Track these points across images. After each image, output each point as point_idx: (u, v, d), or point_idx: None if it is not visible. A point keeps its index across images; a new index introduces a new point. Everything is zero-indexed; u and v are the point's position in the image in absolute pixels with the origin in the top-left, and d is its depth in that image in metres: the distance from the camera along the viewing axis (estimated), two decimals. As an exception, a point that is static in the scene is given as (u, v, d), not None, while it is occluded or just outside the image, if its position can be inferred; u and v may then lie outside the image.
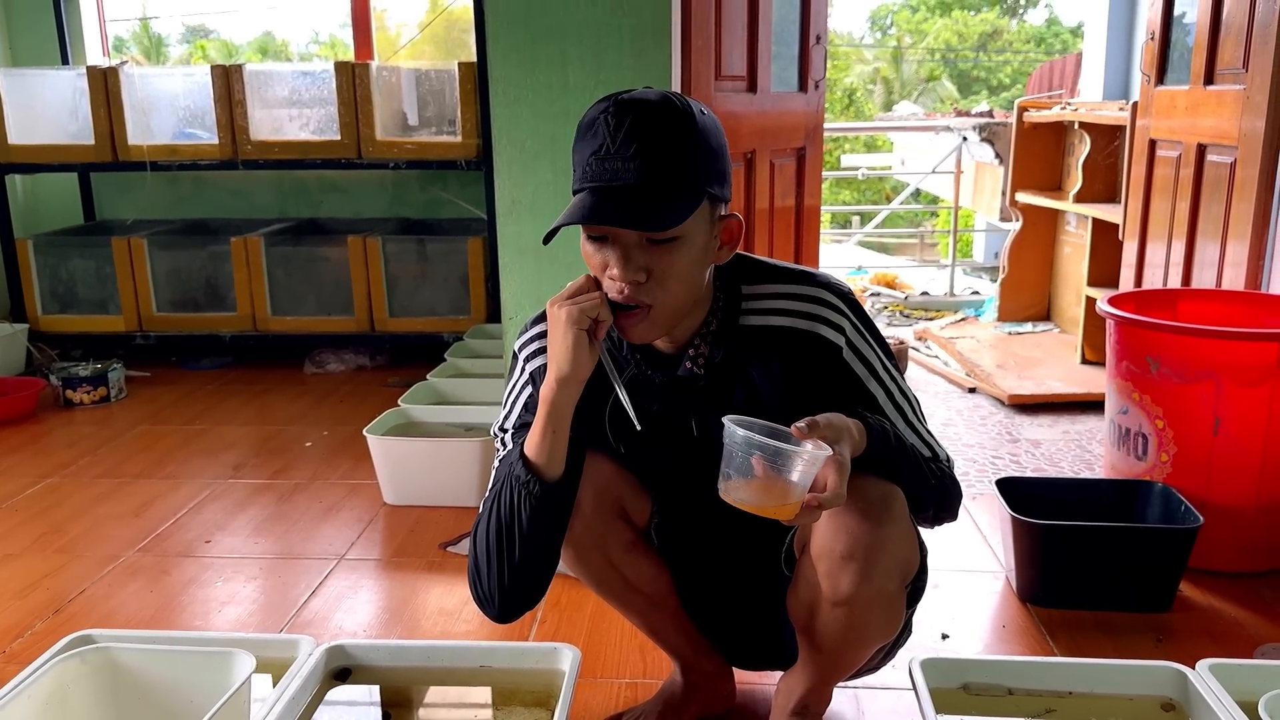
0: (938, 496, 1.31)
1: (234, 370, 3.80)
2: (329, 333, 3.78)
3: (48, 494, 2.61)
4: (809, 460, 1.09)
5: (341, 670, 1.58)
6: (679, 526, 1.46)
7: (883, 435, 1.21)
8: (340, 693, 1.57)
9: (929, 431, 1.36)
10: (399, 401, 2.74)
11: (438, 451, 2.49)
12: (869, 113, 20.89)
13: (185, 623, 1.96)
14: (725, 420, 1.12)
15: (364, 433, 2.49)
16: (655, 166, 1.15)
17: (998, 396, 3.28)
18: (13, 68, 4.04)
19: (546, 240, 1.19)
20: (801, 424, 1.11)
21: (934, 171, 5.56)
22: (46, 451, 2.94)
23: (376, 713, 1.57)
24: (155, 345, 3.80)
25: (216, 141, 3.68)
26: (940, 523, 1.36)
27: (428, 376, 2.99)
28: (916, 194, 7.42)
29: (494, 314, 3.71)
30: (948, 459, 1.36)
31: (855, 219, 11.91)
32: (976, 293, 4.94)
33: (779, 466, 1.09)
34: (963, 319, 4.33)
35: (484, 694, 1.55)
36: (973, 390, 3.40)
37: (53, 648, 1.61)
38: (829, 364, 1.28)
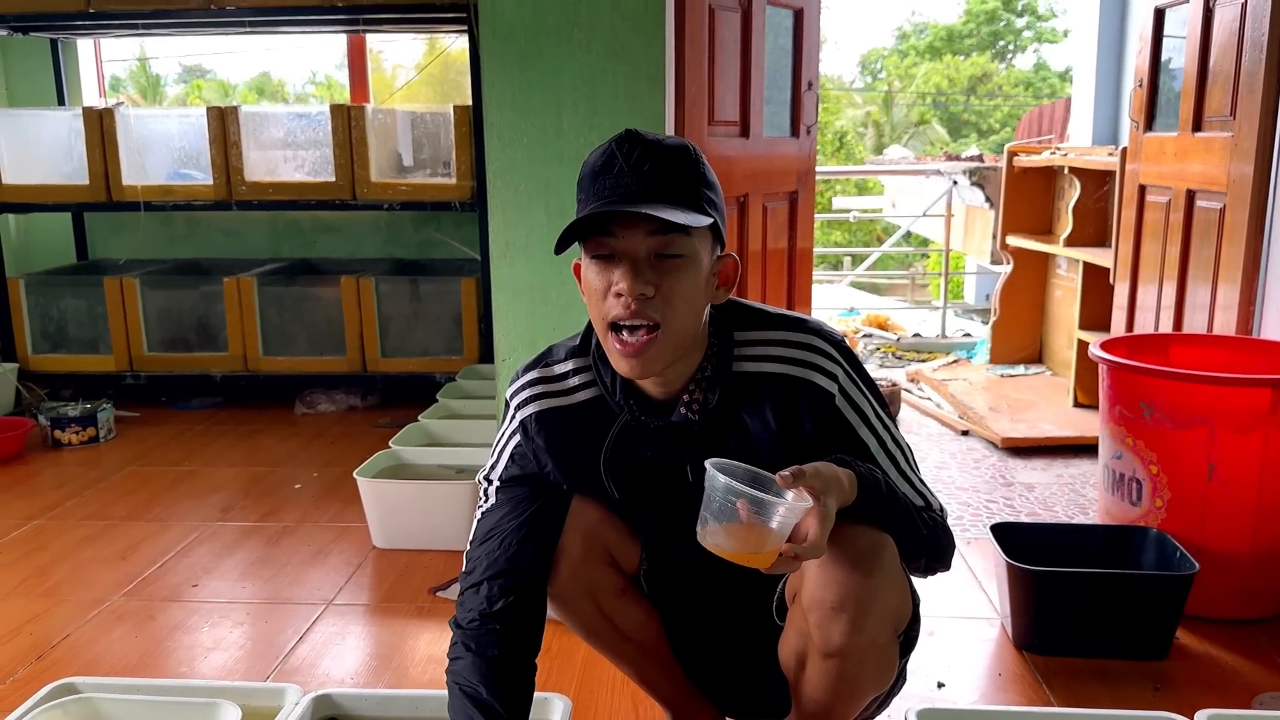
0: (930, 546, 1.30)
1: (224, 410, 3.78)
2: (320, 373, 3.77)
3: (33, 536, 2.58)
4: (788, 510, 1.08)
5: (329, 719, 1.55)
6: (669, 573, 1.45)
7: (873, 484, 1.21)
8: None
9: (921, 480, 1.35)
10: (390, 443, 2.72)
11: (428, 494, 2.47)
12: (859, 156, 21.10)
13: (171, 669, 1.92)
14: (707, 464, 1.11)
15: (354, 475, 2.48)
16: (668, 183, 1.19)
17: (991, 439, 3.27)
18: (9, 108, 4.05)
19: (558, 249, 1.20)
20: (787, 473, 1.10)
21: (925, 214, 5.60)
22: (33, 493, 2.92)
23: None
24: (145, 385, 3.78)
25: (211, 182, 3.69)
26: (932, 572, 1.35)
27: (419, 418, 2.98)
28: (907, 236, 7.48)
29: (487, 354, 3.70)
30: (940, 508, 1.35)
31: (846, 260, 11.98)
32: (968, 335, 4.95)
33: (758, 514, 1.08)
34: (955, 361, 4.34)
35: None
36: (965, 433, 3.39)
37: (34, 696, 1.59)
38: (822, 411, 1.28)
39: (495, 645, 1.30)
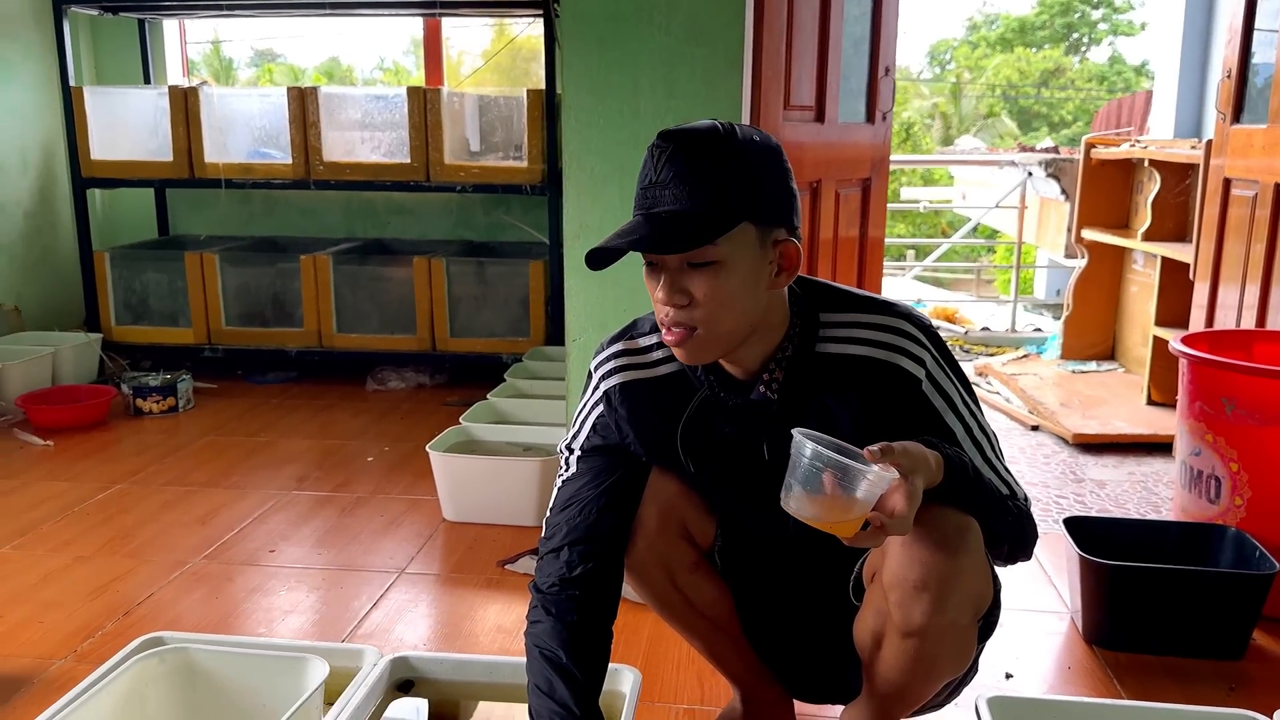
0: (1014, 534, 1.29)
1: (298, 385, 3.87)
2: (391, 350, 3.84)
3: (117, 499, 2.68)
4: (874, 480, 1.08)
5: (404, 682, 1.60)
6: (743, 550, 1.46)
7: (960, 468, 1.20)
8: (397, 705, 1.58)
9: (1006, 469, 1.34)
10: (460, 419, 2.77)
11: (498, 470, 2.51)
12: (926, 147, 20.77)
13: (249, 629, 1.99)
14: (795, 431, 1.12)
15: (426, 449, 2.52)
16: (689, 193, 1.18)
17: (1061, 435, 3.22)
18: (98, 85, 4.17)
19: (592, 265, 1.20)
20: (875, 448, 1.10)
21: (997, 206, 5.51)
22: (116, 458, 3.02)
23: (437, 726, 1.58)
24: (223, 358, 3.89)
25: (290, 161, 3.77)
26: (1014, 561, 1.34)
27: (488, 396, 3.02)
28: (974, 229, 7.36)
29: (553, 337, 3.74)
30: (1025, 498, 1.34)
31: (910, 253, 11.82)
32: (1039, 329, 4.87)
33: (844, 481, 1.09)
34: (1025, 356, 4.28)
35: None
36: (1035, 428, 3.35)
37: (127, 647, 1.65)
38: (907, 396, 1.27)
39: (574, 610, 1.33)
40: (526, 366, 3.46)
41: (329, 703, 1.33)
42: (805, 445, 1.10)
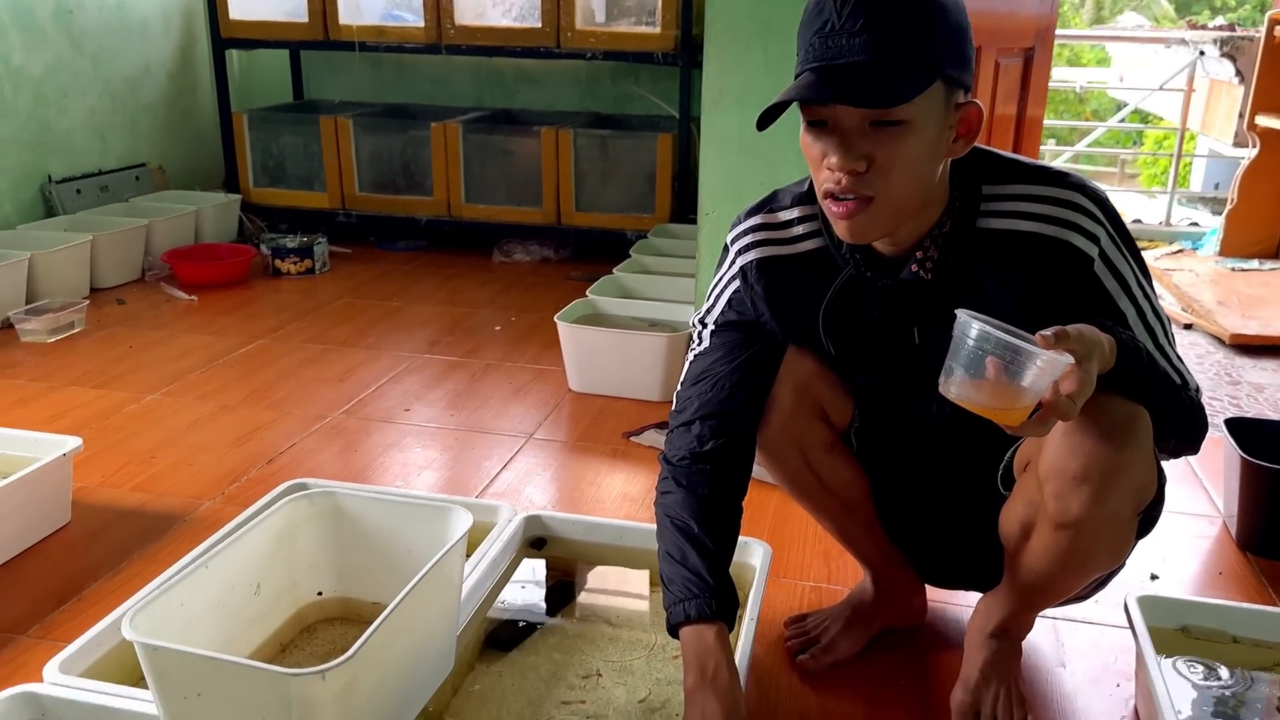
0: (1184, 426, 1.21)
1: (427, 254, 3.92)
2: (517, 223, 3.83)
3: (259, 354, 2.78)
4: (1047, 365, 1.00)
5: (537, 539, 1.62)
6: (883, 433, 1.41)
7: (1134, 353, 1.12)
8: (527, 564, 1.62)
9: (1179, 357, 1.25)
10: (586, 293, 2.76)
11: (624, 344, 2.49)
12: (1075, 25, 19.42)
13: (386, 482, 2.05)
14: (959, 312, 1.04)
15: (555, 319, 2.53)
16: (883, 41, 1.05)
17: (1217, 335, 3.03)
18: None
19: (761, 125, 1.11)
20: (1048, 332, 1.02)
21: (1161, 89, 5.11)
22: (257, 315, 3.12)
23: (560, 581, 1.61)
24: (356, 224, 3.95)
25: (422, 24, 3.73)
26: (1180, 454, 1.26)
27: (614, 271, 3.00)
28: (1127, 115, 6.88)
29: (679, 214, 3.67)
30: (1196, 388, 1.25)
31: (1050, 140, 11.18)
32: (1195, 224, 4.57)
33: (1012, 366, 1.01)
34: (1179, 250, 4.02)
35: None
36: (1189, 326, 3.16)
37: (274, 490, 1.73)
38: (1077, 276, 1.18)
39: (705, 484, 1.31)
40: (651, 243, 3.41)
41: (466, 555, 1.36)
42: (971, 326, 1.03)
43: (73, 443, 1.80)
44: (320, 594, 1.32)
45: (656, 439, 2.24)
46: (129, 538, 1.80)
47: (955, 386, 1.04)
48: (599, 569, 1.63)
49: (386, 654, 1.03)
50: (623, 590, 1.61)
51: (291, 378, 2.61)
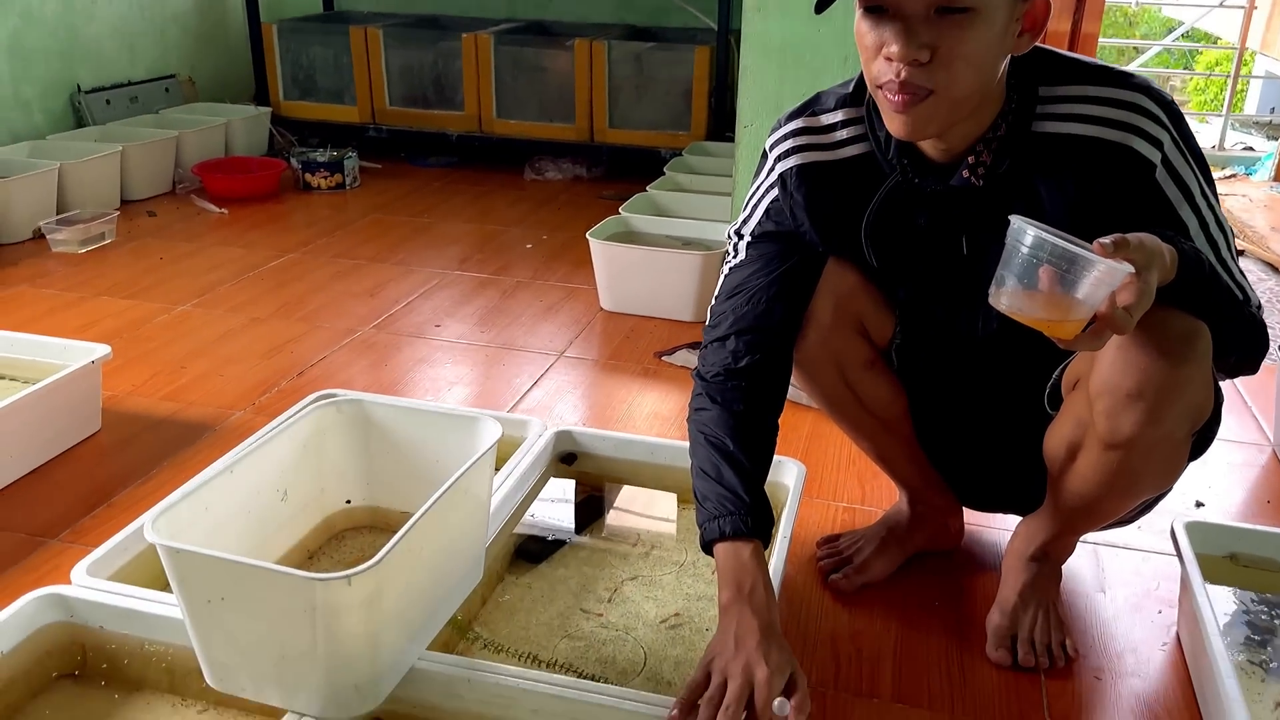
0: (1245, 343, 1.15)
1: (458, 170, 3.86)
2: (549, 139, 3.76)
3: (290, 267, 2.76)
4: (1105, 274, 0.94)
5: (568, 455, 1.60)
6: (925, 350, 1.36)
7: (1196, 265, 1.05)
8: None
9: (1241, 272, 1.18)
10: (620, 210, 2.70)
11: (657, 262, 2.44)
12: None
13: (416, 396, 2.03)
14: (1013, 218, 0.98)
15: (587, 235, 2.48)
16: None
17: (1270, 262, 2.93)
18: None
19: (819, 8, 1.06)
20: (1107, 240, 0.95)
21: (1222, 4, 4.88)
22: (288, 229, 3.10)
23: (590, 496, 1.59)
24: (386, 139, 3.89)
25: (453, -68, 3.62)
26: (1238, 374, 1.20)
27: (647, 188, 2.93)
28: (1181, 35, 6.61)
29: (715, 131, 3.58)
30: (1259, 305, 1.18)
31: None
32: (1249, 149, 4.40)
33: (1069, 275, 0.95)
34: (1232, 175, 3.88)
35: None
36: (1240, 253, 3.05)
37: (304, 400, 1.71)
38: (1138, 184, 1.11)
39: (740, 400, 1.26)
40: (686, 161, 3.33)
41: (496, 469, 1.34)
42: (1025, 233, 0.97)
43: (101, 350, 1.79)
44: (349, 502, 1.31)
45: (689, 359, 2.21)
46: (159, 446, 1.80)
47: (1006, 297, 0.99)
48: (629, 485, 1.60)
49: (414, 561, 1.01)
50: (653, 507, 1.59)
51: (322, 292, 2.58)
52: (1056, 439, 1.24)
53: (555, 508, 1.56)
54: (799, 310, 1.31)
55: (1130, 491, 1.20)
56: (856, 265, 1.30)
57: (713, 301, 1.34)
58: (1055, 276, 0.96)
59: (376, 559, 0.93)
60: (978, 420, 1.38)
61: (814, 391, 1.42)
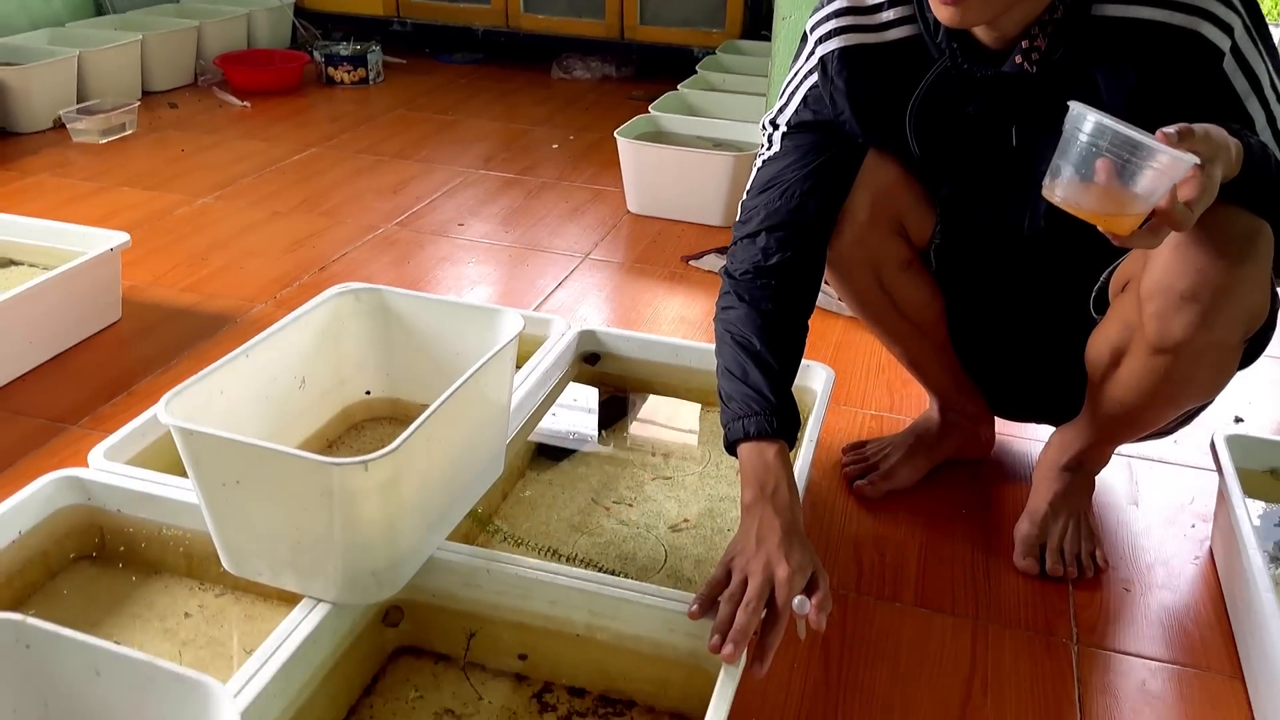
0: (1309, 247, 1.09)
1: (484, 67, 3.76)
2: (578, 36, 3.65)
3: (312, 162, 2.71)
4: (1168, 166, 0.88)
5: (591, 355, 1.57)
6: (966, 250, 1.30)
7: (1263, 161, 0.99)
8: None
9: (1311, 171, 1.11)
10: (649, 109, 2.62)
11: (687, 162, 2.37)
12: None
13: (439, 294, 1.99)
14: (1072, 104, 0.92)
15: (615, 134, 2.41)
16: None
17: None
18: None
19: None
20: (1171, 130, 0.89)
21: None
22: (310, 124, 3.04)
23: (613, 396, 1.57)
24: (411, 33, 3.80)
25: None
26: (1297, 279, 1.15)
27: (678, 87, 2.84)
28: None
29: (750, 29, 3.46)
30: (1326, 208, 1.12)
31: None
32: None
33: (1130, 165, 0.89)
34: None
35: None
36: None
37: (324, 292, 1.68)
38: (1204, 72, 1.04)
39: (769, 299, 1.21)
40: (719, 60, 3.23)
41: (518, 366, 1.31)
42: (1085, 119, 0.90)
43: (121, 238, 1.76)
44: (368, 393, 1.29)
45: (717, 263, 2.15)
46: (179, 336, 1.78)
47: (1061, 188, 0.93)
48: (653, 386, 1.57)
49: (433, 451, 0.99)
50: (677, 408, 1.56)
51: (344, 187, 2.54)
52: (1100, 343, 1.19)
53: (578, 406, 1.54)
54: (835, 206, 1.25)
55: (1175, 399, 1.16)
56: (897, 159, 1.25)
57: (744, 196, 1.28)
58: (1114, 168, 0.90)
59: (394, 445, 0.90)
60: (1017, 325, 1.33)
61: (847, 292, 1.37)
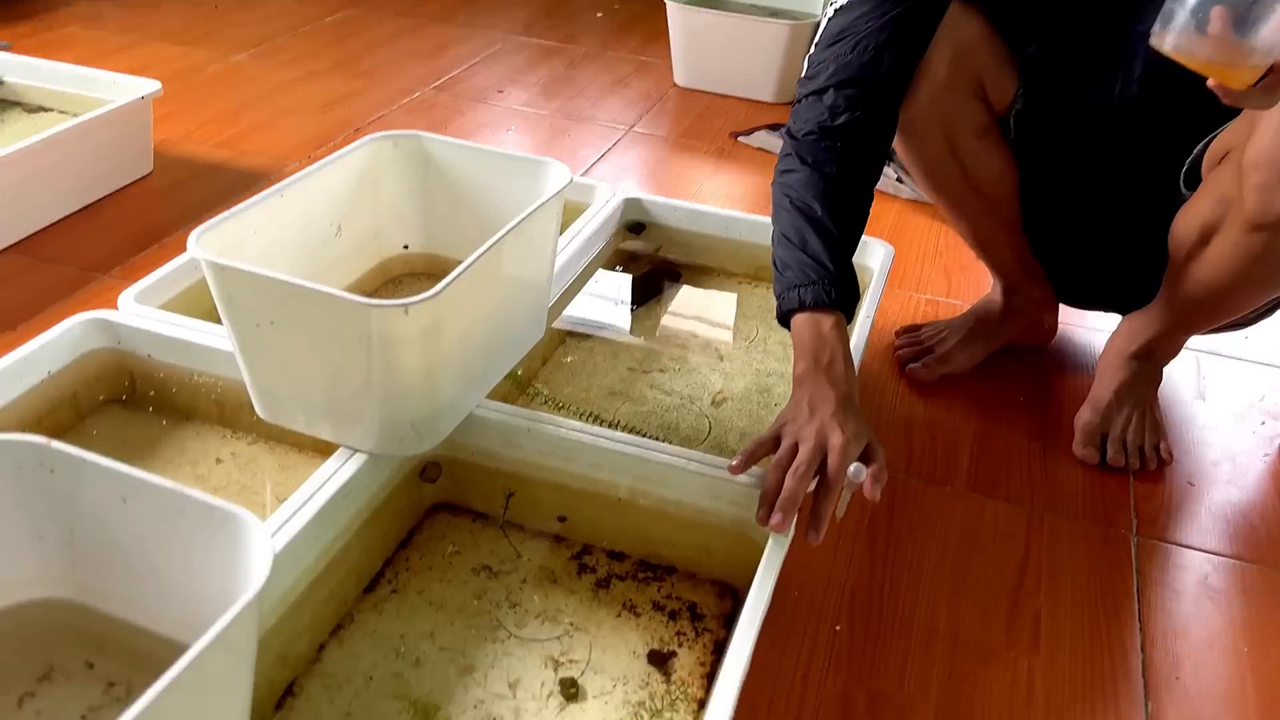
0: None
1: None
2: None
3: (347, 24, 2.61)
4: None
5: (636, 224, 1.50)
6: (1050, 118, 1.20)
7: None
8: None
9: None
10: (703, -28, 2.49)
11: (739, 29, 2.25)
12: None
13: (476, 161, 1.93)
14: None
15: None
16: None
17: None
18: None
19: None
20: None
21: None
22: (346, -14, 2.92)
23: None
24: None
25: None
26: None
27: (733, -46, 2.70)
28: None
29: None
30: None
31: None
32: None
33: (1251, 13, 0.80)
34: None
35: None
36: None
37: (361, 138, 1.61)
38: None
39: (833, 163, 1.12)
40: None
41: (561, 230, 1.25)
42: None
43: (151, 85, 1.69)
44: (406, 247, 1.23)
45: (768, 141, 2.06)
46: (212, 191, 1.73)
47: (1173, 36, 0.84)
48: (700, 258, 1.51)
49: (475, 301, 0.94)
50: (725, 281, 1.50)
51: (381, 49, 2.44)
52: (1190, 219, 1.11)
53: (622, 275, 1.48)
54: (911, 62, 1.16)
55: (1266, 283, 1.08)
56: (981, 13, 1.15)
57: (810, 50, 1.19)
58: (1232, 16, 0.81)
59: (435, 290, 0.85)
60: (1097, 203, 1.25)
61: (916, 160, 1.28)
